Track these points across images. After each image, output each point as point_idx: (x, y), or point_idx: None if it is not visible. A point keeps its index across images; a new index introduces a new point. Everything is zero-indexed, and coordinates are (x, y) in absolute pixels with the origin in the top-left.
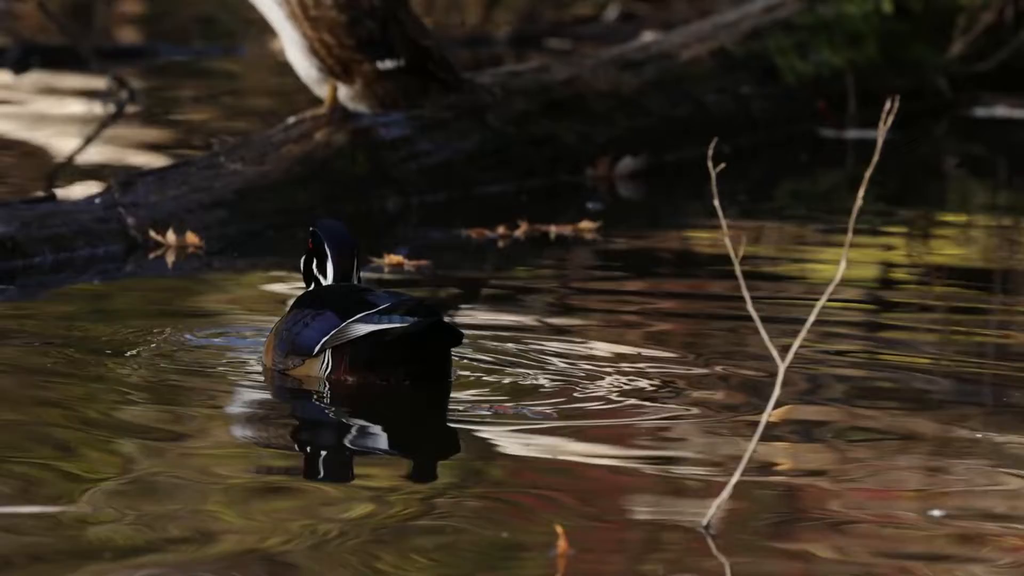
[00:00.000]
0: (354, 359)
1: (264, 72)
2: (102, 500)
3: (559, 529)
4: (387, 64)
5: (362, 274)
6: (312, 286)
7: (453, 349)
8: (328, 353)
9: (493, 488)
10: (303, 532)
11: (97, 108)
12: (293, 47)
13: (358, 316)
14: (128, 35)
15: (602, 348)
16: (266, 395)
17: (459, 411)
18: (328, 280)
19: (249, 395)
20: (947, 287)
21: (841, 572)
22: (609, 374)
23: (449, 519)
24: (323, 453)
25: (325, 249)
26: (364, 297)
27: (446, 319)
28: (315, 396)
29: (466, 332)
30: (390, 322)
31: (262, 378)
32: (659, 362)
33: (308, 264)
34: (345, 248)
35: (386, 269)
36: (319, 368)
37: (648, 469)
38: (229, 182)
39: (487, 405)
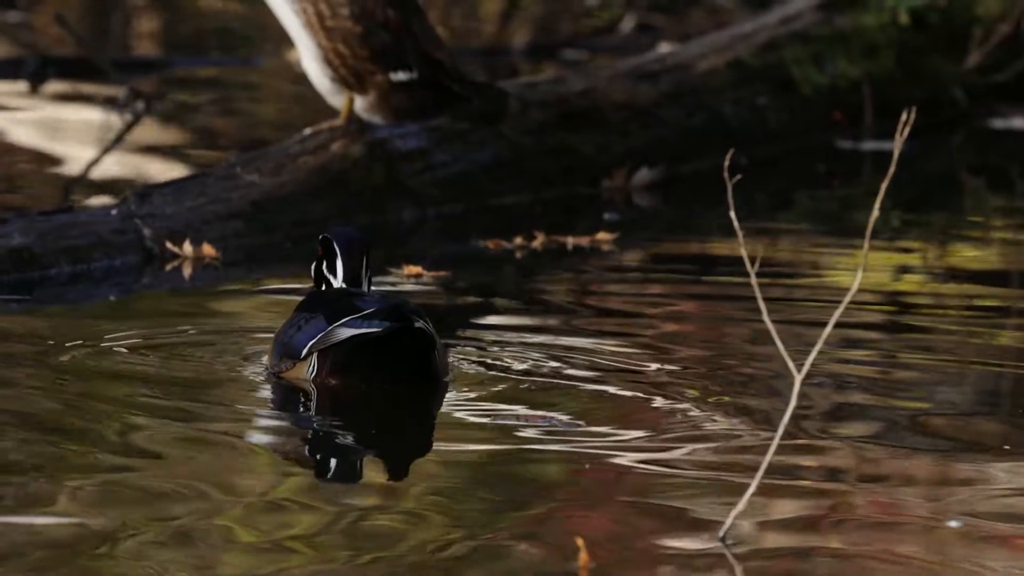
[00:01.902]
0: (335, 363)
1: (281, 83)
2: (103, 509)
3: (580, 541)
4: (400, 76)
5: (372, 277)
6: (324, 288)
7: (471, 355)
8: (314, 357)
9: (511, 499)
10: (314, 541)
11: (114, 119)
12: (309, 57)
13: (342, 320)
14: (145, 46)
15: (620, 358)
16: (267, 401)
17: (479, 420)
18: (338, 280)
19: (254, 403)
20: (964, 297)
21: None
22: (627, 384)
23: (468, 531)
24: (340, 460)
25: (335, 248)
26: (353, 301)
27: (419, 323)
28: (305, 399)
29: (484, 343)
30: (368, 326)
31: (265, 383)
32: (676, 372)
33: (319, 267)
34: (354, 247)
35: (406, 281)
36: (306, 371)
37: (666, 480)
38: (246, 193)
39: (515, 417)
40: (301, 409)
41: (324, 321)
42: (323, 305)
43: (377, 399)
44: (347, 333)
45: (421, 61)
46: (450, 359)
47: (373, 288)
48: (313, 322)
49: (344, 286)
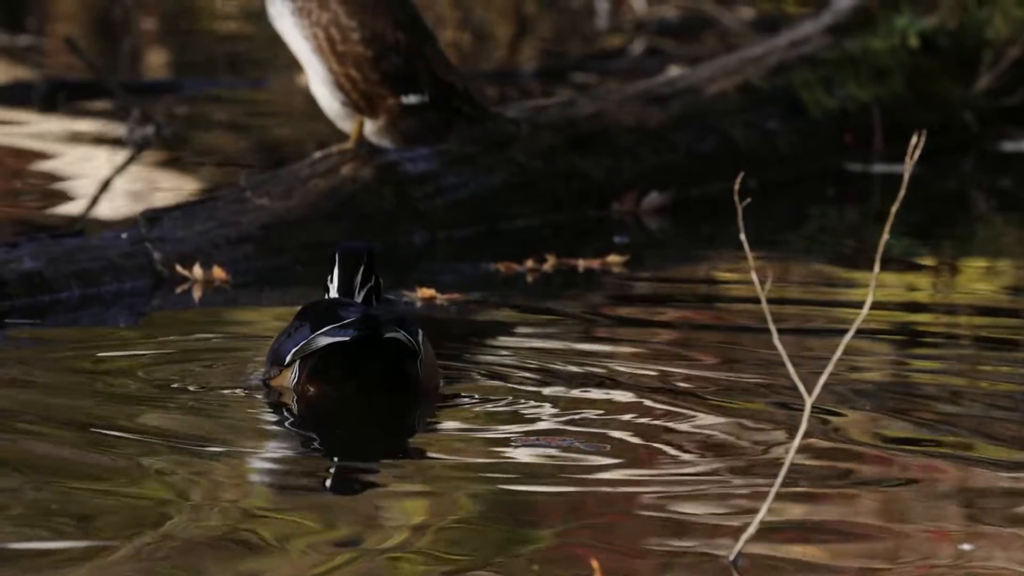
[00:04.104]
0: (311, 370)
1: (290, 106)
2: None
3: (595, 563)
4: (411, 99)
5: (381, 290)
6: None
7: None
8: (297, 364)
9: (523, 516)
10: (319, 561)
11: (123, 143)
12: (319, 81)
13: (323, 329)
14: (155, 69)
15: (630, 380)
16: (257, 408)
17: (489, 438)
18: (333, 290)
19: (248, 412)
20: (976, 319)
21: None
22: (638, 405)
23: (477, 549)
24: (351, 471)
25: (335, 257)
26: (337, 311)
27: (392, 333)
28: (286, 407)
29: (495, 363)
30: (341, 335)
31: (260, 390)
32: (686, 395)
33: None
34: (349, 260)
35: (419, 303)
36: (289, 378)
37: (676, 502)
38: (256, 217)
39: (534, 437)
40: (279, 418)
41: (309, 330)
42: (311, 314)
43: (365, 409)
44: (323, 341)
45: (432, 84)
46: (466, 379)
47: (385, 300)
48: (301, 330)
49: (337, 296)
